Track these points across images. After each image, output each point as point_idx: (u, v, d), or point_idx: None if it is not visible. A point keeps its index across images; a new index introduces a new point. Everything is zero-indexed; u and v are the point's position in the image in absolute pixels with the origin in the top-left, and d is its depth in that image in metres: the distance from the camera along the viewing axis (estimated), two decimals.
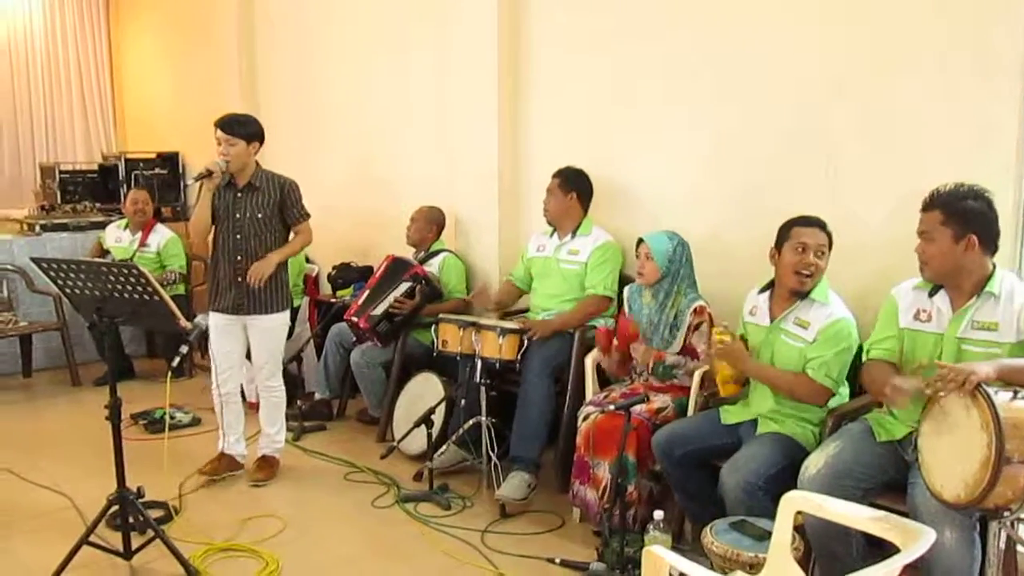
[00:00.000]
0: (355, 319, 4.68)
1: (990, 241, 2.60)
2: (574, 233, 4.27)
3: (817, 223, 3.10)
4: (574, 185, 4.26)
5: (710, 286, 3.75)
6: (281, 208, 4.00)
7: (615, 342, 3.72)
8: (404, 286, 4.64)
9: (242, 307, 3.99)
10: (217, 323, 4.00)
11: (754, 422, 3.17)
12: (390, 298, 4.63)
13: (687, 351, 3.61)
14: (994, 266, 2.63)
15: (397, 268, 4.76)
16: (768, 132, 3.70)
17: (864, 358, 2.87)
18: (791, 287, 3.09)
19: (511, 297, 4.53)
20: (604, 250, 4.16)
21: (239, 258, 3.97)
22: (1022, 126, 2.99)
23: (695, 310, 3.61)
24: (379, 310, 4.61)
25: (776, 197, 3.64)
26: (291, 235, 4.08)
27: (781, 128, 3.65)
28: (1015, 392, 2.19)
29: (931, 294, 2.71)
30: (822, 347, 3.01)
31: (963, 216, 2.57)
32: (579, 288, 4.19)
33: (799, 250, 3.07)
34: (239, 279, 3.97)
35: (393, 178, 5.68)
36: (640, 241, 3.66)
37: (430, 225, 5.01)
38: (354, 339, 4.91)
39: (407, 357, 4.74)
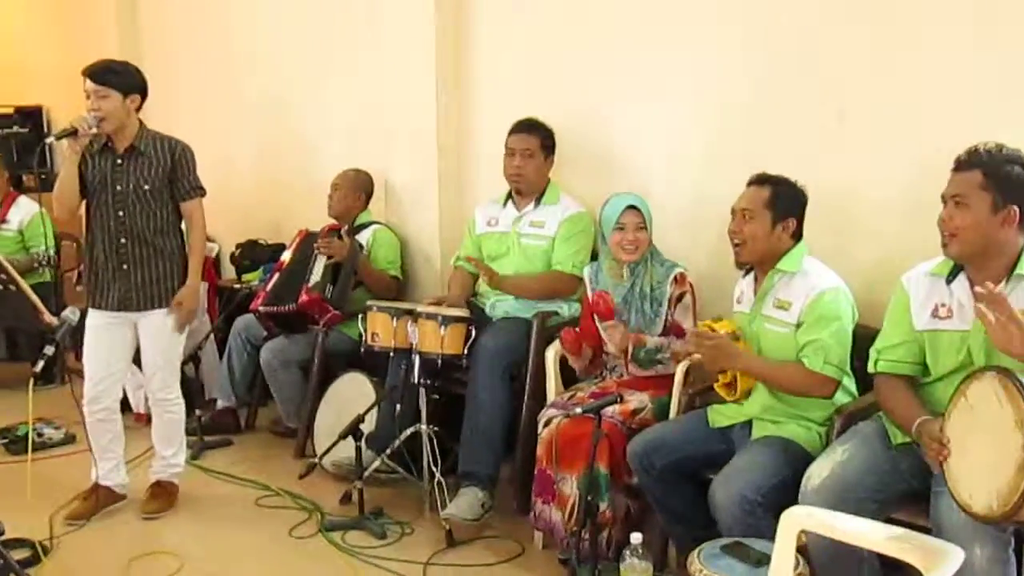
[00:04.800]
0: (274, 307, 4.70)
1: None
2: (538, 202, 4.27)
3: (758, 179, 3.18)
4: (552, 146, 4.27)
5: (695, 265, 3.79)
6: (171, 178, 3.90)
7: (584, 345, 3.73)
8: (321, 262, 4.65)
9: (130, 302, 3.90)
10: (97, 323, 3.90)
11: (748, 424, 3.19)
12: (316, 271, 4.65)
13: (671, 330, 3.63)
14: None
15: (310, 243, 4.76)
16: (768, 77, 3.73)
17: (871, 366, 2.89)
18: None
19: (465, 288, 4.44)
20: (575, 222, 4.17)
21: (123, 241, 3.86)
22: None
23: (675, 279, 3.64)
24: (315, 278, 4.63)
25: (773, 154, 3.65)
26: (183, 217, 4.00)
27: (783, 74, 3.68)
28: None
29: (949, 280, 2.71)
30: (812, 329, 3.03)
31: (1007, 182, 2.54)
32: (544, 267, 4.21)
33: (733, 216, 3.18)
34: (124, 267, 3.87)
35: (310, 138, 5.64)
36: (629, 208, 3.66)
37: (356, 193, 4.99)
38: (264, 333, 4.88)
39: (329, 354, 4.71)
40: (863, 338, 3.05)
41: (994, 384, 2.27)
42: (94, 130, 3.76)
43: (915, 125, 3.33)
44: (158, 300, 3.93)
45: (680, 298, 3.62)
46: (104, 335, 3.92)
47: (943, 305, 2.71)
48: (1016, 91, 3.09)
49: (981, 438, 2.31)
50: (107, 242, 3.88)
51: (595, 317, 3.68)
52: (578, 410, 3.26)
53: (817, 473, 2.71)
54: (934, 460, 2.47)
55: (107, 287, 3.91)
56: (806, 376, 3.03)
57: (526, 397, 3.96)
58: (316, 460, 4.18)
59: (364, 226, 4.92)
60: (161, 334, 3.97)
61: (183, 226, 4.04)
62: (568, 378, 3.92)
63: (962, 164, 2.62)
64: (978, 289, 2.40)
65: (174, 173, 3.90)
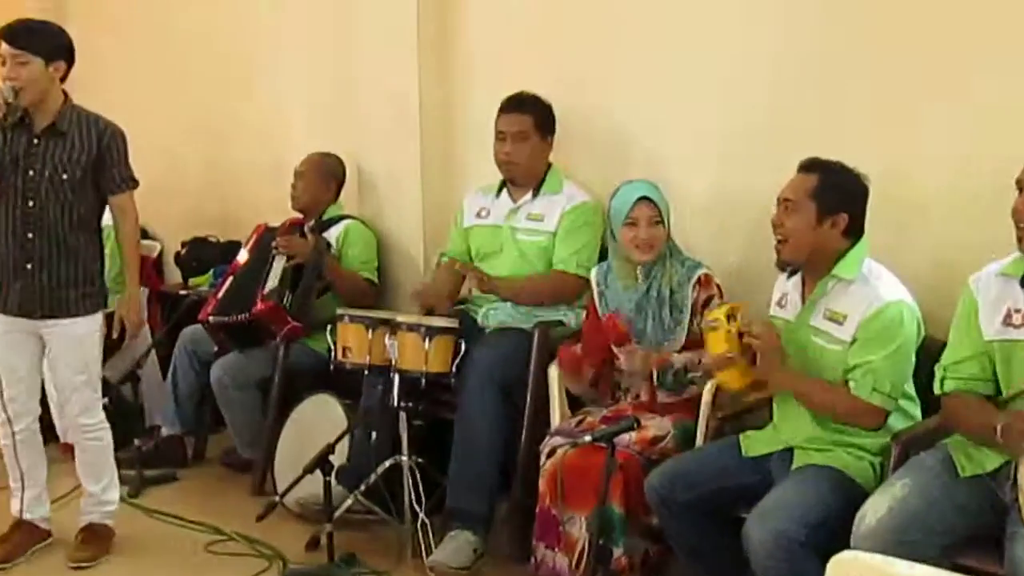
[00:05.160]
0: (226, 316, 4.69)
1: None
2: (536, 191, 4.27)
3: (807, 165, 3.17)
4: (550, 126, 4.27)
5: (723, 263, 3.80)
6: (97, 167, 3.89)
7: (585, 363, 3.73)
8: (280, 263, 4.66)
9: (32, 307, 3.88)
10: None
11: (788, 453, 3.19)
12: (274, 275, 4.66)
13: (695, 343, 3.62)
14: None
15: (269, 241, 4.77)
16: (814, 40, 3.73)
17: (937, 386, 2.89)
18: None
19: (453, 286, 4.47)
20: (579, 214, 4.18)
21: (30, 235, 3.84)
22: None
23: (699, 280, 3.65)
24: (272, 282, 4.63)
25: (819, 133, 3.66)
26: (109, 214, 3.99)
27: (834, 38, 3.69)
28: None
29: None
30: (865, 349, 3.03)
31: None
32: (545, 268, 4.23)
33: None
34: (28, 265, 3.85)
35: (268, 118, 5.63)
36: (641, 200, 3.66)
37: (324, 181, 4.98)
38: (215, 347, 4.86)
39: (292, 372, 4.71)
40: (927, 351, 3.06)
41: None
42: (12, 102, 3.74)
43: (991, 99, 3.33)
44: (66, 308, 3.89)
45: (707, 303, 3.61)
46: (10, 343, 3.91)
47: (1017, 310, 2.71)
48: None
49: None
50: (11, 234, 3.86)
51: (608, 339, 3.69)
52: (587, 438, 3.25)
53: (872, 512, 2.71)
54: (1009, 446, 2.49)
55: (7, 288, 3.89)
56: (850, 402, 3.04)
57: (525, 423, 3.96)
58: (277, 498, 4.16)
59: (334, 220, 4.91)
60: (74, 348, 3.94)
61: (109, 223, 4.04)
62: (576, 400, 3.92)
63: None
64: None
65: (101, 161, 3.87)
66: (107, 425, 4.11)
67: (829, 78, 3.69)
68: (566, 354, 3.70)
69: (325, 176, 4.98)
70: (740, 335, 3.14)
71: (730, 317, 3.16)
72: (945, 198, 3.44)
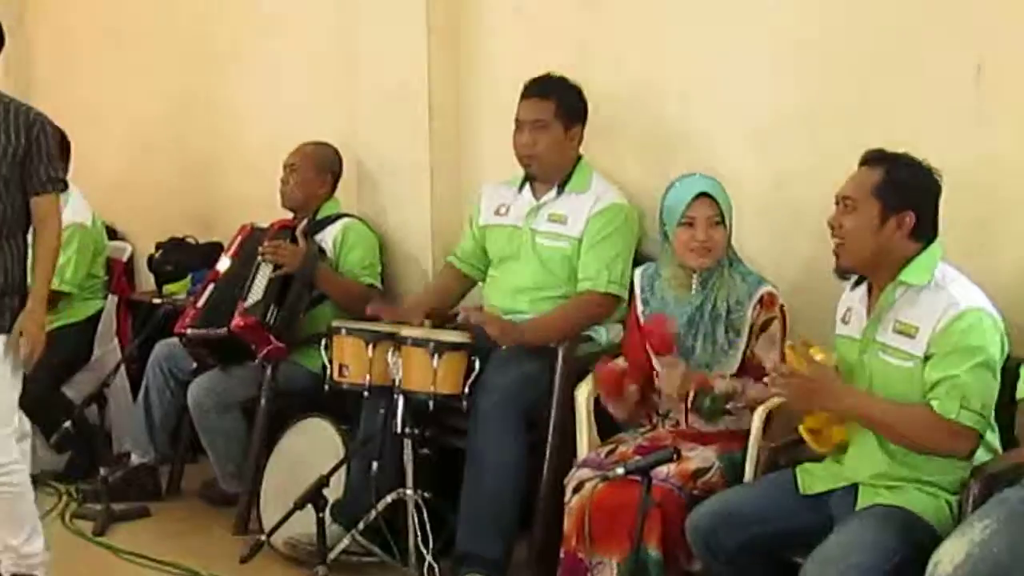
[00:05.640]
0: (206, 329, 4.69)
1: None
2: (562, 187, 4.27)
3: (870, 158, 3.17)
4: (577, 113, 4.26)
5: (784, 275, 3.81)
6: (24, 162, 3.88)
7: (626, 380, 3.73)
8: (265, 272, 4.65)
9: None
10: None
11: (852, 491, 3.17)
12: (257, 285, 4.65)
13: (749, 368, 3.63)
14: None
15: (255, 244, 4.77)
16: (885, 19, 3.73)
17: (1021, 391, 2.86)
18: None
19: (452, 293, 4.51)
20: (609, 217, 4.18)
21: None
22: None
23: (761, 299, 3.64)
24: (255, 294, 4.63)
25: (893, 124, 3.67)
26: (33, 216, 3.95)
27: (905, 16, 3.69)
28: None
29: None
30: (946, 363, 3.01)
31: None
32: (568, 279, 4.21)
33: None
34: None
35: (253, 104, 5.66)
36: (700, 196, 3.66)
37: (319, 175, 4.99)
38: (193, 364, 4.87)
39: (281, 393, 4.71)
40: (1009, 373, 3.02)
41: None
42: None
43: None
44: None
45: (766, 326, 3.61)
46: None
47: None
48: None
49: None
50: None
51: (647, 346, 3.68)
52: (620, 470, 3.22)
53: (947, 558, 2.68)
54: None
55: None
56: (935, 424, 3.00)
57: (548, 452, 3.96)
58: (263, 537, 4.11)
59: (329, 219, 4.93)
60: None
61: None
62: (606, 427, 3.91)
63: None
64: None
65: (28, 156, 3.86)
66: (22, 466, 4.00)
67: (907, 54, 3.69)
68: (605, 371, 3.69)
69: (320, 169, 4.99)
70: None
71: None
72: None
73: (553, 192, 4.28)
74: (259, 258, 4.73)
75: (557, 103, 4.21)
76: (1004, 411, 3.05)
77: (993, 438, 3.15)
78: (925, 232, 3.14)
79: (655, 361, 3.69)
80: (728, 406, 3.61)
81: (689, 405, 3.63)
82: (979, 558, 2.66)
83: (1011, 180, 3.46)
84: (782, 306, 3.64)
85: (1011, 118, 3.48)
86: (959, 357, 2.99)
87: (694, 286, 3.71)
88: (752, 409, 3.55)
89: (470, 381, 3.95)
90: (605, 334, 4.15)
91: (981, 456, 3.11)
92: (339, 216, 4.95)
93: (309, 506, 3.89)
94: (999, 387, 3.05)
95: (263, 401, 4.69)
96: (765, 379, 3.39)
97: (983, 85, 3.52)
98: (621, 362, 3.80)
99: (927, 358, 3.04)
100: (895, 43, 3.71)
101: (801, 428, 3.24)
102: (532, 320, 4.14)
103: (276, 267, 4.68)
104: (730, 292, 3.67)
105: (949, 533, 2.83)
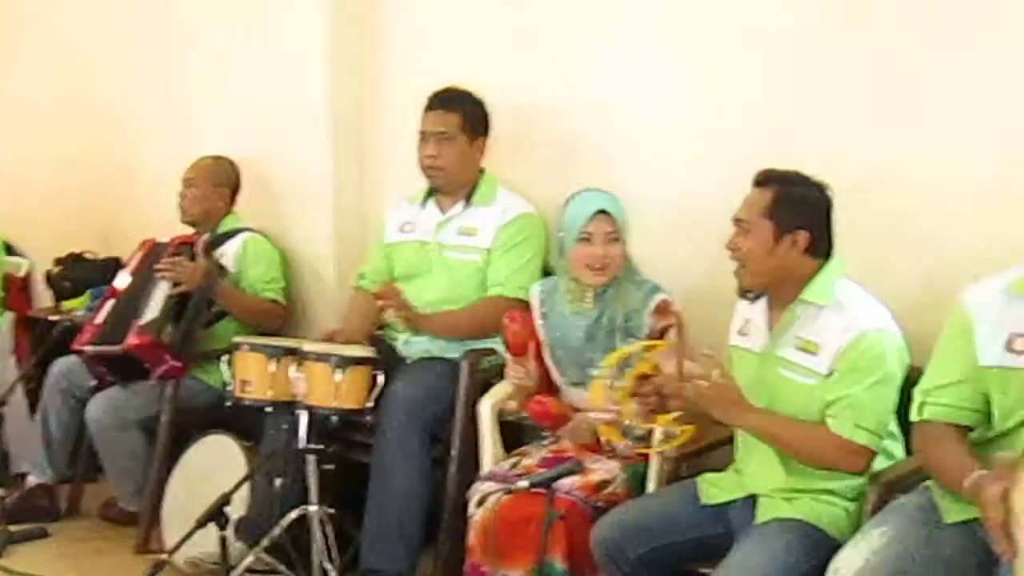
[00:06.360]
0: (105, 346, 4.63)
1: None
2: (469, 200, 4.29)
3: (761, 179, 3.21)
4: (481, 125, 4.29)
5: (686, 286, 3.83)
6: None
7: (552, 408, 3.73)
8: (163, 289, 4.60)
9: None
10: None
11: (752, 501, 3.19)
12: (155, 303, 4.60)
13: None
14: None
15: (156, 260, 4.72)
16: (790, 35, 3.77)
17: (914, 413, 2.89)
18: None
19: (369, 319, 4.44)
20: (519, 228, 4.21)
21: None
22: None
23: (657, 308, 3.66)
24: (151, 312, 4.58)
25: (796, 136, 3.71)
26: None
27: (810, 32, 3.73)
28: None
29: None
30: (844, 381, 3.04)
31: None
32: (478, 292, 4.24)
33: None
34: None
35: (152, 117, 5.61)
36: (598, 213, 3.67)
37: (217, 188, 4.97)
38: (93, 381, 4.80)
39: (182, 410, 4.68)
40: (912, 383, 3.03)
41: None
42: None
43: (984, 94, 3.38)
44: None
45: (663, 334, 3.63)
46: None
47: (1021, 336, 2.71)
48: None
49: None
50: None
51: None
52: (524, 483, 3.21)
53: (846, 566, 2.71)
54: (998, 537, 2.46)
55: None
56: (831, 442, 3.03)
57: (452, 466, 3.96)
58: (165, 556, 4.10)
59: (231, 234, 4.90)
60: None
61: None
62: (511, 440, 3.92)
63: None
64: None
65: None
66: None
67: (805, 70, 3.73)
68: (538, 408, 3.69)
69: (217, 183, 4.98)
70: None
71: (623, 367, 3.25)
72: (944, 204, 3.46)
73: (460, 206, 4.30)
74: (157, 275, 4.68)
75: (462, 115, 4.22)
76: (908, 421, 3.06)
77: (895, 446, 3.20)
78: (821, 249, 3.18)
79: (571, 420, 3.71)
80: (639, 433, 3.59)
81: (607, 450, 3.64)
82: (876, 564, 2.68)
83: (909, 192, 3.50)
84: (677, 313, 3.65)
85: (907, 131, 3.53)
86: (857, 376, 3.03)
87: (590, 300, 3.72)
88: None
89: (374, 395, 3.94)
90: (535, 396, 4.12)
91: (880, 463, 3.13)
92: (240, 231, 4.93)
93: (212, 524, 3.81)
94: (901, 398, 3.08)
95: (164, 418, 4.65)
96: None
97: (879, 99, 3.57)
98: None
99: (829, 375, 3.07)
100: (793, 59, 3.75)
101: (661, 419, 3.26)
102: (440, 312, 4.18)
103: (175, 284, 4.63)
104: (626, 302, 3.69)
105: (848, 540, 2.85)
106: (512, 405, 3.85)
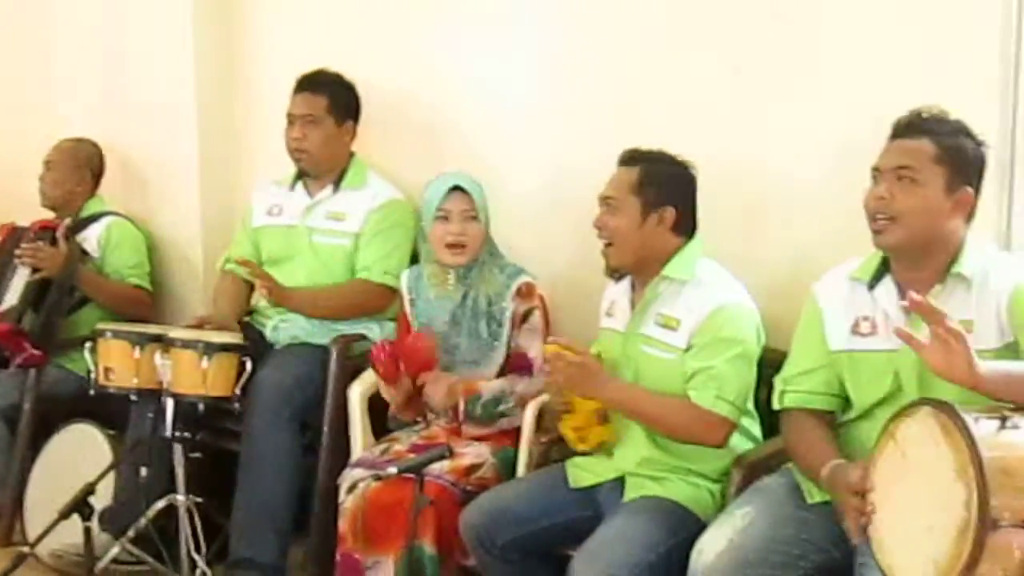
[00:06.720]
0: None
1: (978, 195, 2.73)
2: (337, 185, 4.27)
3: (627, 158, 3.26)
4: (350, 108, 4.27)
5: (550, 270, 3.85)
6: None
7: (402, 365, 3.71)
8: (23, 275, 4.53)
9: None
10: None
11: (620, 483, 3.23)
12: (14, 289, 4.54)
13: (513, 361, 3.67)
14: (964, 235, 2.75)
15: (15, 245, 4.62)
16: (648, 24, 3.80)
17: (776, 401, 2.97)
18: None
19: (242, 300, 4.43)
20: (387, 213, 4.20)
21: None
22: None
23: (519, 290, 3.69)
24: (10, 299, 4.53)
25: (654, 122, 3.74)
26: None
27: (667, 22, 3.76)
28: (1002, 420, 2.30)
29: (871, 286, 2.81)
30: (704, 354, 3.09)
31: (962, 157, 2.69)
32: (347, 276, 4.23)
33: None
34: None
35: (16, 97, 5.53)
36: (454, 190, 3.68)
37: (76, 171, 4.89)
38: None
39: (45, 399, 4.59)
40: (770, 364, 3.13)
41: (929, 423, 2.34)
42: None
43: (837, 83, 3.44)
44: None
45: (526, 316, 3.65)
46: None
47: (865, 319, 2.81)
48: (963, 43, 3.23)
49: (915, 493, 2.38)
50: None
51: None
52: (393, 469, 3.22)
53: (710, 546, 2.75)
54: (852, 522, 2.52)
55: None
56: (693, 413, 3.07)
57: (323, 453, 3.95)
58: (27, 549, 4.05)
59: (94, 218, 4.83)
60: None
61: None
62: (381, 426, 3.91)
63: (905, 130, 2.74)
64: (903, 302, 2.49)
65: None
66: None
67: (671, 50, 3.76)
68: (384, 353, 3.64)
69: (77, 166, 4.89)
70: None
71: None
72: (800, 193, 3.52)
73: (329, 190, 4.27)
74: (15, 260, 4.59)
75: (329, 98, 4.20)
76: (766, 402, 3.14)
77: (753, 425, 3.27)
78: (686, 226, 3.24)
79: (425, 381, 3.68)
80: (500, 408, 3.64)
81: (461, 416, 3.64)
82: (739, 544, 2.73)
83: (769, 178, 3.56)
84: (542, 296, 3.70)
85: (768, 118, 3.58)
86: (716, 348, 3.08)
87: (452, 282, 3.74)
88: (523, 406, 3.59)
89: (242, 383, 3.90)
90: (379, 332, 4.14)
91: (743, 445, 3.20)
92: (104, 214, 4.85)
93: (75, 515, 3.76)
94: (757, 378, 3.16)
95: (26, 407, 4.56)
96: (534, 373, 3.51)
97: (741, 85, 3.62)
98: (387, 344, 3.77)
99: (688, 349, 3.12)
100: (659, 45, 3.78)
101: (563, 427, 3.28)
102: (302, 289, 4.16)
103: (35, 270, 4.54)
104: (489, 285, 3.71)
105: (712, 521, 2.90)
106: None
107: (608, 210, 3.22)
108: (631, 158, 3.25)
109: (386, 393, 3.77)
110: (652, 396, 3.17)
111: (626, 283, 3.33)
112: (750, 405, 3.22)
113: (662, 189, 3.19)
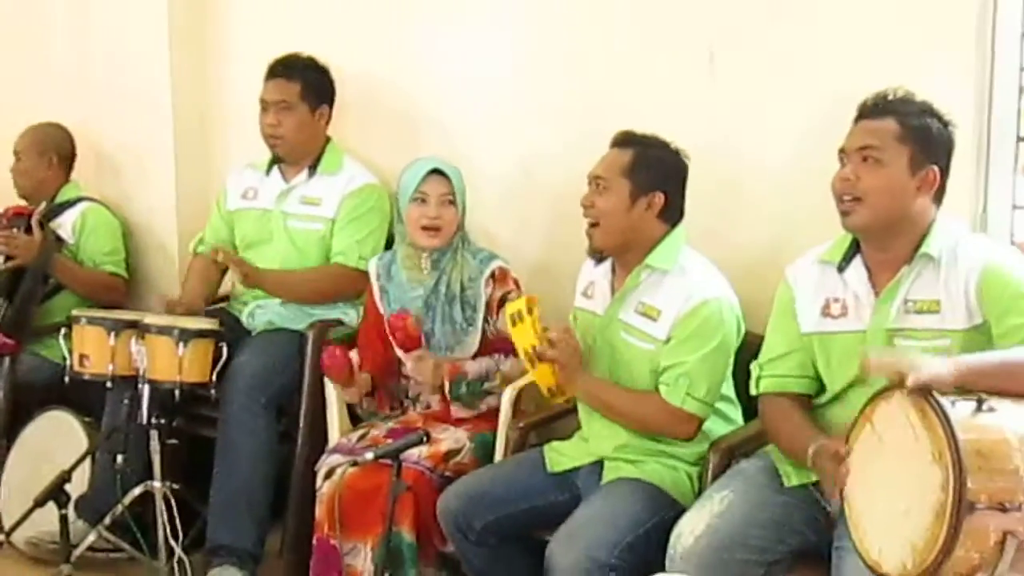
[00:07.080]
0: None
1: (946, 175, 2.74)
2: (312, 170, 4.26)
3: (621, 140, 3.24)
4: (324, 94, 4.26)
5: (523, 255, 3.86)
6: None
7: (356, 365, 3.72)
8: None
9: None
10: None
11: (598, 466, 3.23)
12: None
13: (494, 344, 3.67)
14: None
15: None
16: (620, 10, 3.80)
17: (753, 386, 2.98)
18: None
19: (214, 283, 4.42)
20: (363, 198, 4.19)
21: None
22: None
23: (493, 274, 3.69)
24: None
25: (628, 110, 3.71)
26: None
27: (640, 6, 3.76)
28: (979, 402, 2.30)
29: (841, 267, 2.83)
30: (679, 350, 3.10)
31: (926, 136, 2.70)
32: (321, 261, 4.22)
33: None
34: None
35: None
36: (432, 174, 3.67)
37: (44, 157, 4.82)
38: None
39: (19, 386, 4.55)
40: (747, 348, 3.15)
41: (905, 406, 2.35)
42: None
43: (811, 68, 3.46)
44: None
45: (502, 301, 3.64)
46: None
47: (836, 300, 2.83)
48: (938, 24, 3.25)
49: (892, 476, 2.40)
50: None
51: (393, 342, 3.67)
52: (370, 455, 3.20)
53: (688, 530, 2.76)
54: (829, 484, 2.54)
55: None
56: (662, 410, 3.10)
57: (300, 439, 3.95)
58: (3, 537, 4.07)
59: (69, 204, 4.78)
60: None
61: None
62: (358, 413, 3.91)
63: (871, 111, 2.76)
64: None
65: None
66: None
67: (645, 37, 3.76)
68: (333, 358, 3.63)
69: (44, 151, 4.82)
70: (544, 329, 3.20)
71: (530, 309, 3.21)
72: (774, 176, 3.54)
73: (304, 175, 4.26)
74: None
75: (303, 84, 4.18)
76: (744, 386, 3.14)
77: (733, 410, 3.28)
78: (673, 213, 3.23)
79: (403, 357, 3.66)
80: (485, 387, 3.64)
81: (447, 395, 3.64)
82: (718, 527, 2.75)
83: (744, 165, 3.57)
84: (515, 280, 3.70)
85: (742, 105, 3.59)
86: (694, 344, 3.09)
87: (426, 267, 3.73)
88: (507, 384, 3.59)
89: (218, 369, 3.89)
90: (355, 316, 4.13)
91: (720, 429, 3.21)
92: (79, 200, 4.81)
93: (51, 502, 3.79)
94: (735, 363, 3.17)
95: (0, 395, 4.52)
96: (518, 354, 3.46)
97: (715, 73, 3.62)
98: (353, 355, 3.75)
99: (667, 341, 3.12)
100: (633, 32, 3.78)
101: (534, 375, 3.27)
102: (276, 272, 4.16)
103: (8, 258, 4.51)
104: (463, 271, 3.70)
105: (691, 505, 2.91)
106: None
107: (596, 190, 3.20)
108: (625, 140, 3.24)
109: (346, 396, 3.78)
110: (620, 390, 3.20)
111: (606, 266, 3.32)
112: (730, 391, 3.23)
113: (654, 173, 3.18)
